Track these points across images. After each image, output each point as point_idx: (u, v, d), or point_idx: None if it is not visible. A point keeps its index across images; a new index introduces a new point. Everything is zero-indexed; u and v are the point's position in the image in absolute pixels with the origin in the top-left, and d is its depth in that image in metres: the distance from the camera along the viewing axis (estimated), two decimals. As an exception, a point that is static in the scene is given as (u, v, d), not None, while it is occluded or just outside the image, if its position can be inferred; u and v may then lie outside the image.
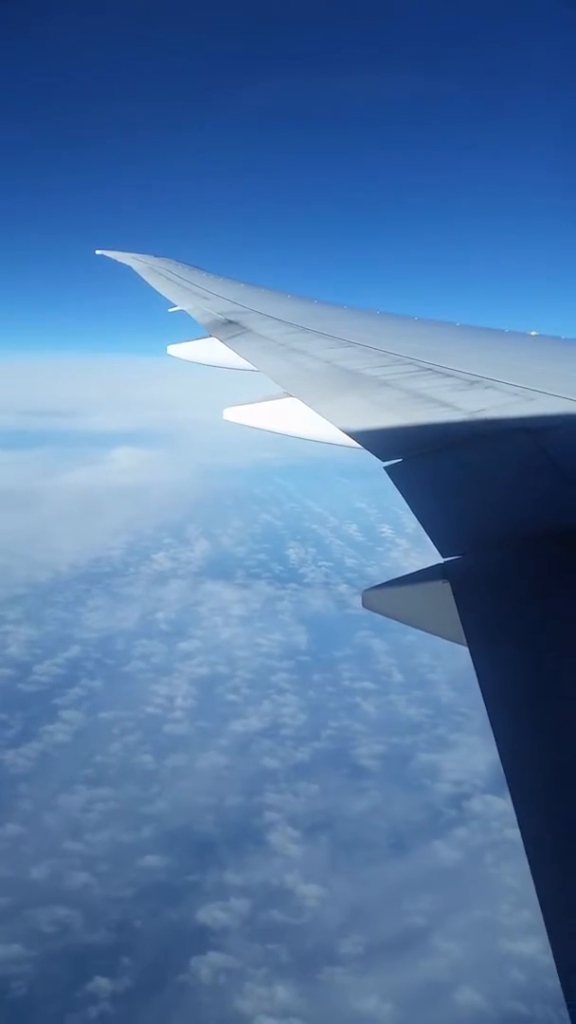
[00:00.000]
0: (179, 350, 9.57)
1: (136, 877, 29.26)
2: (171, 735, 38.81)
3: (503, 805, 31.92)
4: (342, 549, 68.98)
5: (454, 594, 2.58)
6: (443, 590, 2.63)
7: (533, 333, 8.05)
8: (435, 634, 2.64)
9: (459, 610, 2.50)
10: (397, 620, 2.88)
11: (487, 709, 2.00)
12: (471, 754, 36.36)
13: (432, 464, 3.85)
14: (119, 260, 14.74)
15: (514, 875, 28.28)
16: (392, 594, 2.88)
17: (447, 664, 43.70)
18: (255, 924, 26.94)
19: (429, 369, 5.64)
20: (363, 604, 2.88)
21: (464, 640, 2.37)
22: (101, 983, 24.49)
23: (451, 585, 2.62)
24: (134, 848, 30.78)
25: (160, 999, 23.82)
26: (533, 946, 25.28)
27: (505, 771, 1.81)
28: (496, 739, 1.90)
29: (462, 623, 2.44)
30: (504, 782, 1.76)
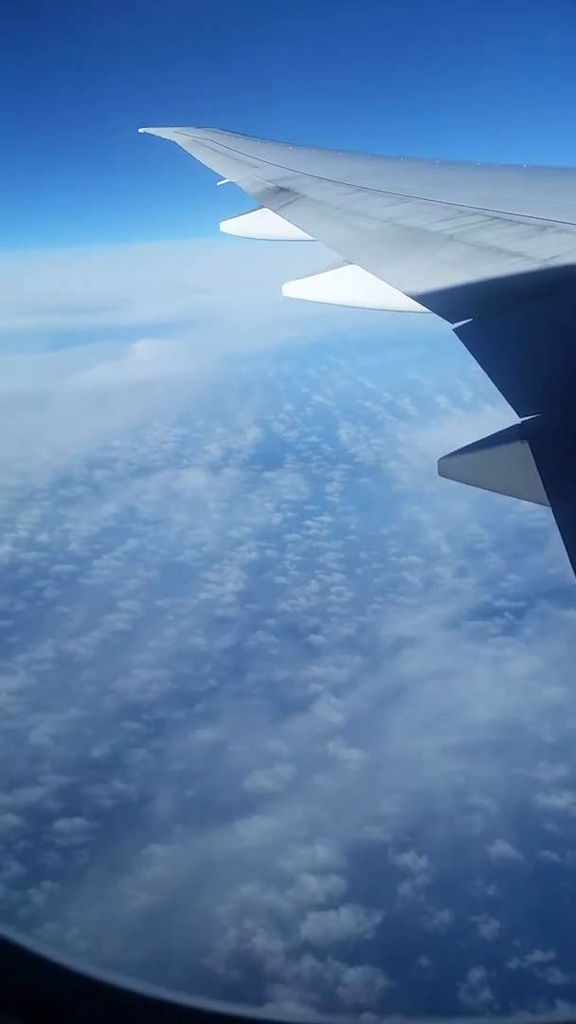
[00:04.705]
0: (231, 226, 9.32)
1: (189, 749, 30.86)
2: (222, 619, 40.01)
3: (536, 664, 32.14)
4: (394, 424, 68.01)
5: (533, 454, 2.50)
6: (522, 451, 2.55)
7: None
8: (515, 496, 2.61)
9: (539, 469, 2.43)
10: (474, 485, 2.85)
11: (573, 566, 1.98)
12: (516, 618, 36.54)
13: (505, 321, 3.69)
14: (163, 136, 14.28)
15: (552, 732, 28.74)
16: (469, 460, 2.81)
17: (495, 532, 43.37)
18: (298, 789, 28.26)
19: (496, 218, 5.33)
20: (439, 472, 2.86)
21: (545, 500, 2.34)
22: (155, 849, 26.25)
23: (530, 445, 2.54)
24: (187, 724, 32.36)
25: (208, 863, 25.45)
26: (566, 799, 25.90)
27: None
28: None
29: (543, 482, 2.38)
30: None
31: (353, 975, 21.41)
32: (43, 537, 51.48)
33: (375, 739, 30.30)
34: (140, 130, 15.20)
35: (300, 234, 7.27)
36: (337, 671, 34.61)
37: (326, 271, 6.00)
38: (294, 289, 6.25)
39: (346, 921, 23.08)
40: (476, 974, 21.23)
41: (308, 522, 50.25)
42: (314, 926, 22.95)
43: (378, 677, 34.04)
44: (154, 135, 14.55)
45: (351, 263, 5.68)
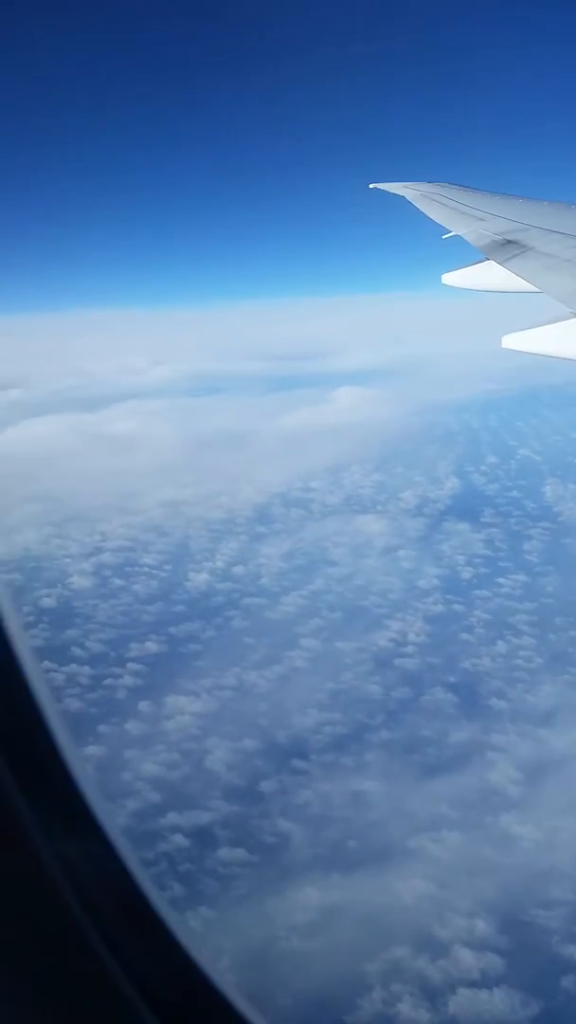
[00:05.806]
0: (454, 278, 9.56)
1: (355, 798, 30.56)
2: (401, 669, 39.47)
3: None
4: (607, 484, 64.50)
5: None
6: None
7: None
8: None
9: None
10: None
11: None
12: None
13: None
14: (392, 191, 14.81)
15: None
16: None
17: None
18: (464, 857, 27.09)
19: None
20: None
21: None
22: (311, 893, 26.12)
23: None
24: (355, 772, 32.10)
25: (361, 917, 24.93)
26: None
27: None
28: None
29: None
30: None
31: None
32: (238, 569, 53.46)
33: (551, 817, 28.51)
34: (371, 185, 15.68)
35: (525, 286, 7.25)
36: (517, 740, 32.98)
37: (550, 323, 5.92)
38: (515, 341, 6.16)
39: (499, 1004, 21.73)
40: None
41: (501, 579, 48.58)
42: (464, 1003, 21.81)
43: (560, 753, 32.05)
44: (384, 190, 14.96)
45: None
